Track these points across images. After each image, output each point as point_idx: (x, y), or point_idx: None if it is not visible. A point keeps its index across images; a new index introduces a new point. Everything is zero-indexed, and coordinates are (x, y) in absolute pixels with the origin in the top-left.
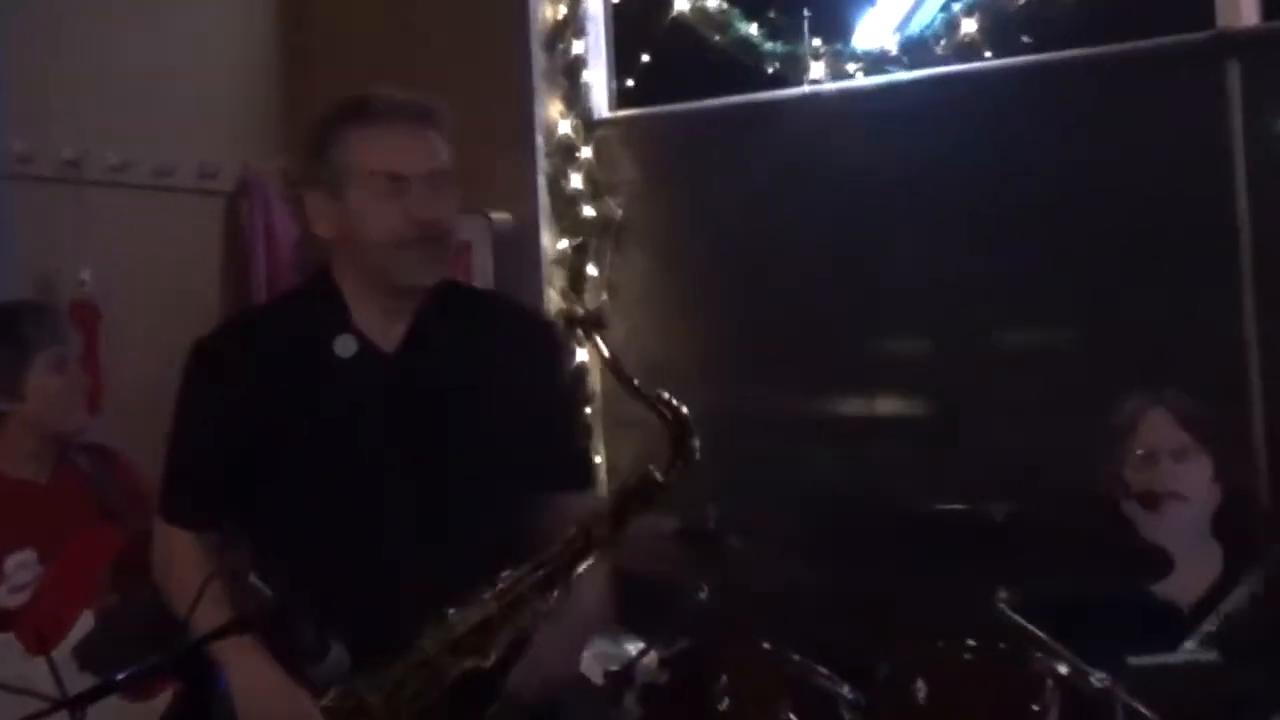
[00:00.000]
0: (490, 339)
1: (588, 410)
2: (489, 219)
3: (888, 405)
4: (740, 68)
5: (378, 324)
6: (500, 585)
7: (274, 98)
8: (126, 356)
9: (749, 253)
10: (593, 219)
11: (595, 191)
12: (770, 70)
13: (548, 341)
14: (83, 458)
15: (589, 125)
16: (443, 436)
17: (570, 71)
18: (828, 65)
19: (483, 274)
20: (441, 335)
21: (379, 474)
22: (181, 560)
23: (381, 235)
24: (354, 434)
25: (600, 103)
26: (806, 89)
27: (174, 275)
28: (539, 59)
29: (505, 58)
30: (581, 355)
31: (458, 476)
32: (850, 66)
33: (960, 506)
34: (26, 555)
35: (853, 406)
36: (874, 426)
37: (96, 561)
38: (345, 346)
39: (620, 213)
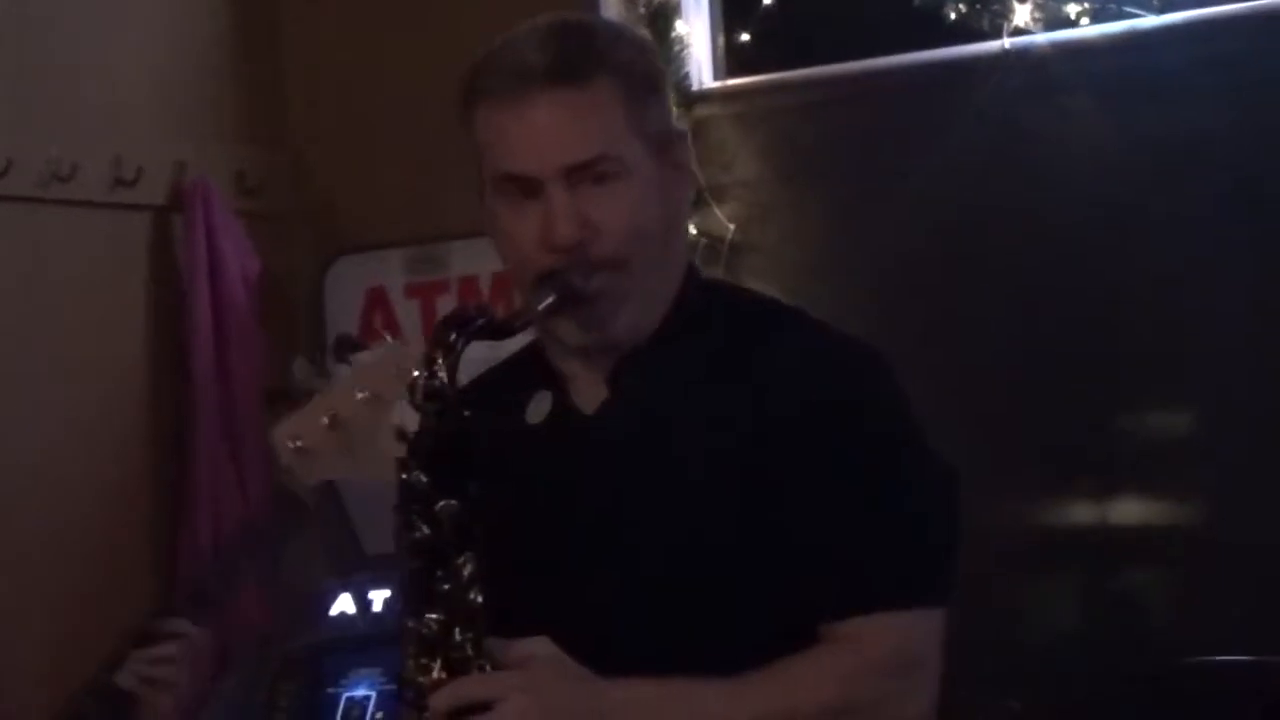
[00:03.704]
0: (757, 384)
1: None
2: None
3: (1137, 506)
4: (914, 16)
5: (581, 371)
6: None
7: (223, 74)
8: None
9: (925, 282)
10: (693, 239)
11: (697, 198)
12: (954, 18)
13: (857, 383)
14: None
15: (685, 100)
16: (645, 537)
17: (657, 22)
18: (1037, 10)
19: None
20: (670, 383)
21: (556, 597)
22: None
23: (513, 261)
24: (534, 531)
25: (702, 68)
26: (1007, 43)
27: (77, 322)
28: (611, 5)
29: (562, 3)
30: None
31: (671, 600)
32: (1072, 10)
33: (1247, 658)
34: None
35: (1089, 505)
36: (1117, 535)
37: None
38: (538, 409)
39: (734, 228)
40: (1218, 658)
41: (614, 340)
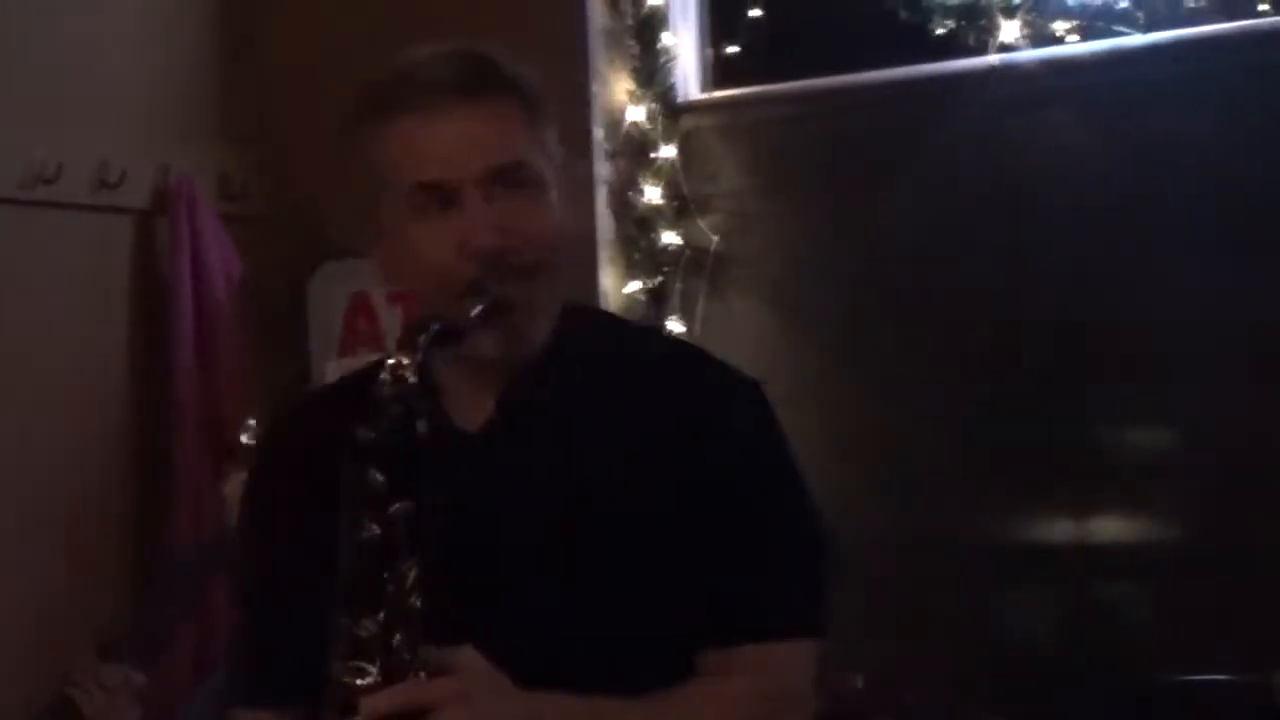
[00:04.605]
0: (643, 403)
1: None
2: None
3: (1121, 524)
4: (900, 29)
5: (463, 391)
6: None
7: (209, 77)
8: None
9: (907, 292)
10: (678, 249)
11: (681, 209)
12: (940, 33)
13: (742, 408)
14: None
15: (672, 112)
16: (530, 562)
17: (644, 33)
18: (1025, 26)
19: None
20: (550, 404)
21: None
22: None
23: (423, 277)
24: (362, 561)
25: (689, 79)
26: (995, 59)
27: (59, 324)
28: (597, 14)
29: (548, 11)
30: None
31: (558, 626)
32: (1059, 27)
33: (1228, 677)
34: None
35: (1070, 526)
36: (1102, 552)
37: None
38: (363, 435)
39: (717, 239)
40: (1196, 677)
41: (522, 353)
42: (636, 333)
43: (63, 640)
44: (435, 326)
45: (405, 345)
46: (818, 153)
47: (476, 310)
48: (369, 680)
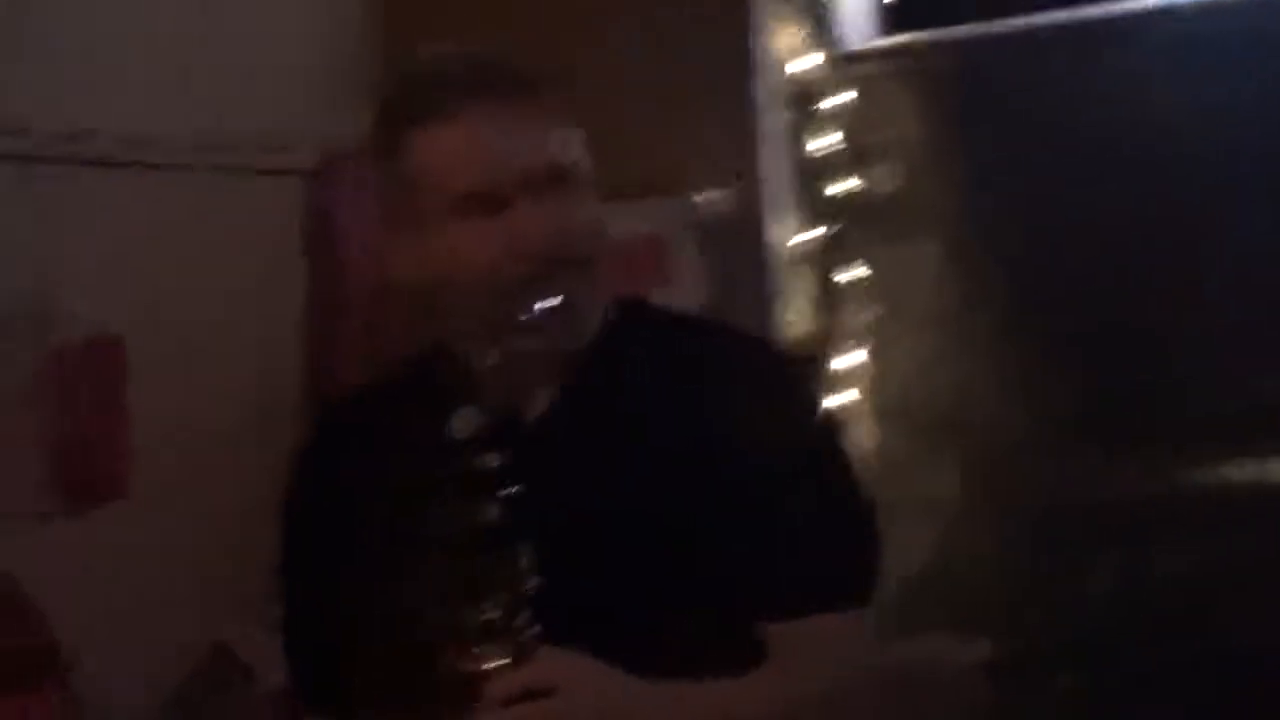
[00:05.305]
0: (694, 390)
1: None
2: (693, 202)
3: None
4: None
5: (518, 379)
6: None
7: (375, 32)
8: (158, 418)
9: (1081, 240)
10: (850, 197)
11: (852, 157)
12: None
13: (787, 390)
14: None
15: (840, 60)
16: (602, 547)
17: None
18: None
19: (685, 282)
20: (609, 394)
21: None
22: None
23: (475, 279)
24: (480, 546)
25: (858, 26)
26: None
27: (229, 294)
28: None
29: None
30: (844, 399)
31: (632, 606)
32: None
33: None
34: None
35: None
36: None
37: None
38: (465, 424)
39: (892, 186)
40: None
41: (574, 346)
42: (682, 320)
43: (225, 586)
44: (535, 309)
45: (497, 330)
46: (987, 98)
47: (538, 305)
48: (494, 665)
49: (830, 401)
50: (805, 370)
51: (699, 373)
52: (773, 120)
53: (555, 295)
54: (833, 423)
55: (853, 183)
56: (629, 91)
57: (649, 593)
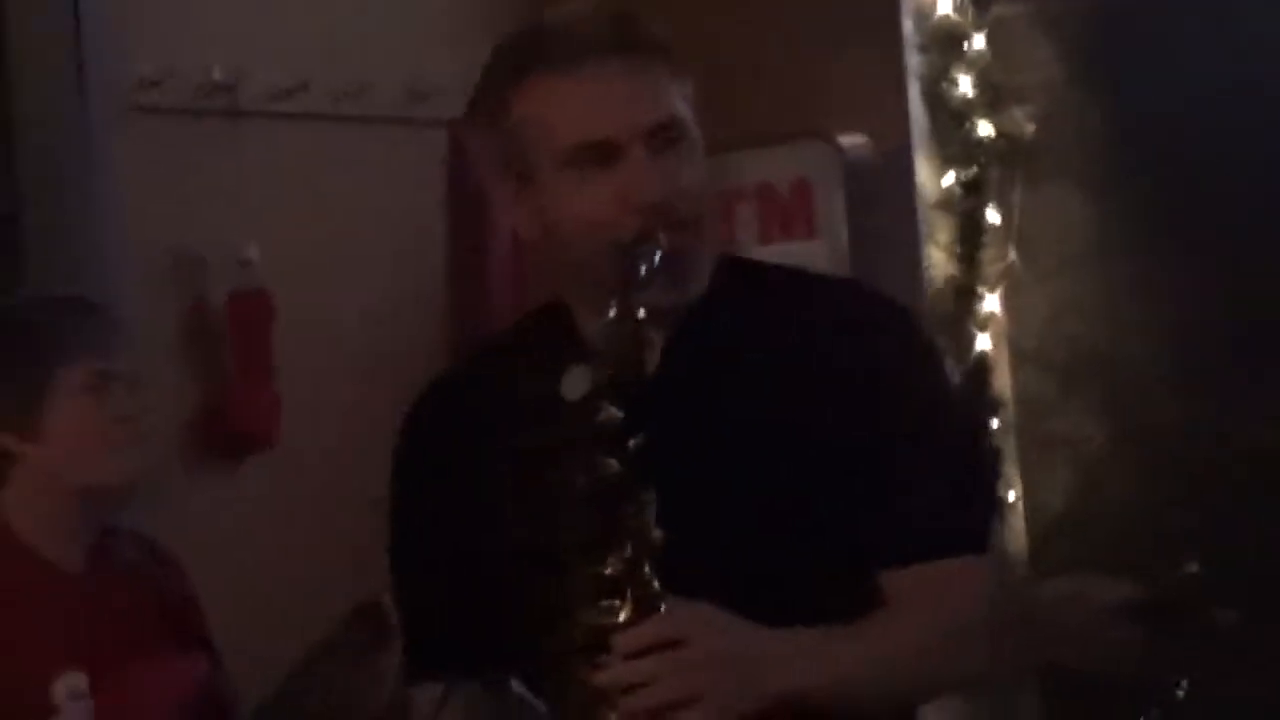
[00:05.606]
0: (804, 341)
1: (993, 426)
2: (838, 146)
3: None
4: None
5: (627, 339)
6: None
7: None
8: (304, 371)
9: (1228, 185)
10: (992, 141)
11: (995, 99)
12: None
13: (895, 336)
14: (122, 544)
15: (981, 1)
16: (716, 499)
17: None
18: None
19: (830, 225)
20: (718, 348)
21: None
22: None
23: (586, 233)
24: (602, 502)
25: None
26: None
27: (374, 243)
28: None
29: None
30: (985, 343)
31: (746, 558)
32: None
33: None
34: (77, 681)
35: None
36: None
37: (164, 705)
38: (574, 385)
39: (1033, 129)
40: None
41: (685, 301)
42: (790, 275)
43: (375, 539)
44: (656, 258)
45: (609, 285)
46: (1129, 38)
47: (655, 257)
48: (621, 617)
49: (973, 344)
50: (912, 317)
51: (806, 326)
52: (914, 63)
53: (665, 250)
54: (941, 367)
55: (991, 127)
56: (776, 36)
57: (766, 543)
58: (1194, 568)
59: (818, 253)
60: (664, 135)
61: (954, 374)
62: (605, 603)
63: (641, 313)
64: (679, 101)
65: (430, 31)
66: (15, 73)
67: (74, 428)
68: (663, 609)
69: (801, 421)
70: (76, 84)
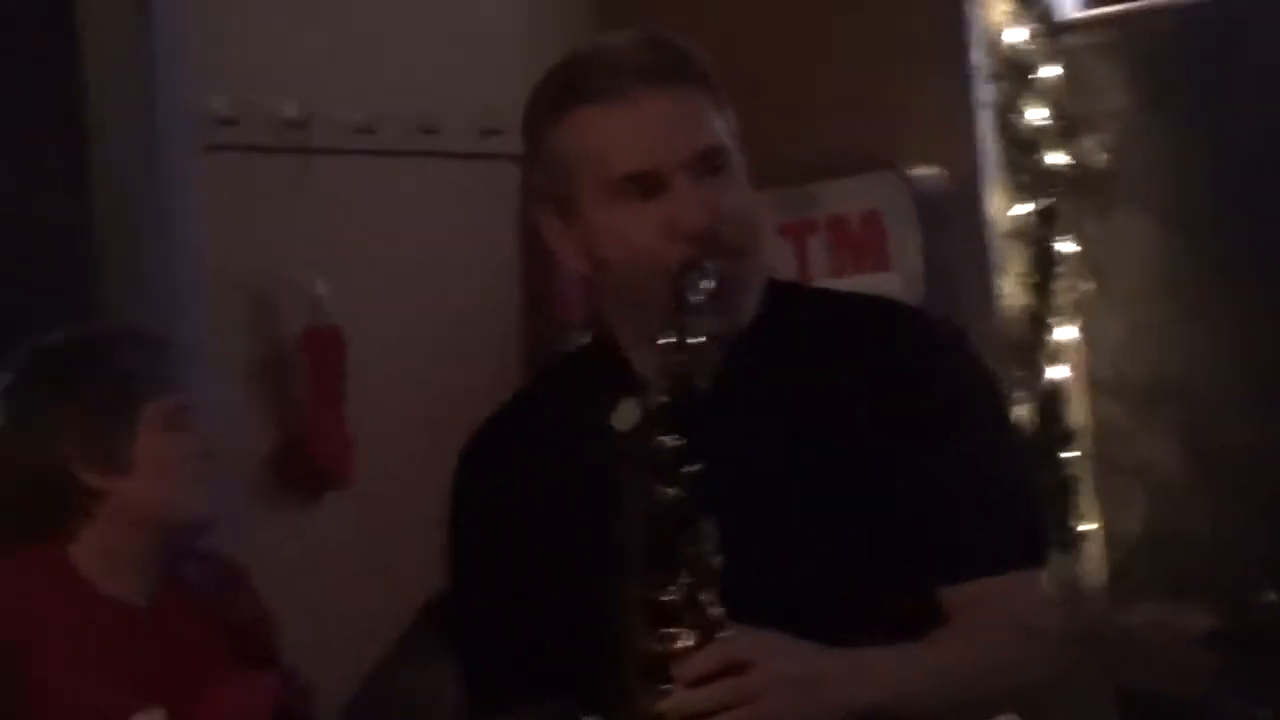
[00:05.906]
0: (855, 363)
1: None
2: (907, 177)
3: None
4: None
5: (678, 368)
6: None
7: (586, 16)
8: (375, 408)
9: None
10: (1064, 170)
11: (1067, 129)
12: None
13: (947, 354)
14: (189, 569)
15: (1053, 30)
16: (774, 523)
17: None
18: None
19: (903, 257)
20: (771, 372)
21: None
22: None
23: (634, 263)
24: (662, 528)
25: None
26: None
27: (447, 278)
28: None
29: None
30: (1060, 372)
31: (806, 580)
32: None
33: None
34: (156, 716)
35: None
36: None
37: None
38: (625, 416)
39: (1106, 158)
40: None
41: (735, 328)
42: (838, 298)
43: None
44: (704, 285)
45: (674, 310)
46: (1201, 66)
47: (701, 285)
48: (682, 644)
49: (1048, 373)
50: (964, 337)
51: (856, 347)
52: (985, 93)
53: (712, 280)
54: (992, 383)
55: (1063, 156)
56: (845, 66)
57: (825, 564)
58: (1271, 596)
59: (891, 285)
60: (707, 163)
61: (1026, 403)
62: (666, 630)
63: (692, 340)
64: (720, 127)
65: (501, 66)
66: (91, 110)
67: (160, 463)
68: (724, 635)
69: (856, 442)
70: (151, 123)
